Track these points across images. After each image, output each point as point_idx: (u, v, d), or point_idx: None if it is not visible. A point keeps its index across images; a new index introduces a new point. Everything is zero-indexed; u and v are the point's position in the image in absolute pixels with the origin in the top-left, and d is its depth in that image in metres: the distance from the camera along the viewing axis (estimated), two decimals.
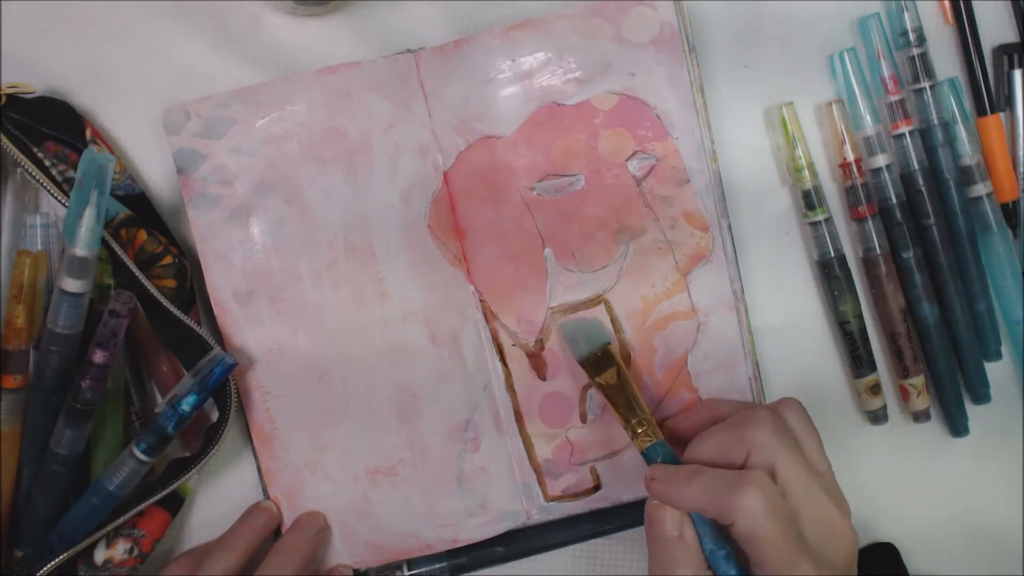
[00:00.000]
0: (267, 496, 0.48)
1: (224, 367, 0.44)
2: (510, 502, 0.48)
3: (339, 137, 0.46)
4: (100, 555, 0.45)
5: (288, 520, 0.47)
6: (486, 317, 0.48)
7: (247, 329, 0.46)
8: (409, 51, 0.47)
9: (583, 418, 0.48)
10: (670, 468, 0.41)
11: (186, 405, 0.43)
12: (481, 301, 0.48)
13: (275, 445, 0.47)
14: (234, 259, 0.46)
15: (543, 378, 0.48)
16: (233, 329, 0.46)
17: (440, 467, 0.47)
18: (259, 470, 0.48)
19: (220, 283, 0.46)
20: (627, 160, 0.47)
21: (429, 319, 0.47)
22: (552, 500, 0.48)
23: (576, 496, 0.48)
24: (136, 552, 0.45)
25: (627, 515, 0.49)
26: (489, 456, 0.48)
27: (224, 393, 0.45)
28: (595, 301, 0.48)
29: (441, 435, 0.47)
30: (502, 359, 0.48)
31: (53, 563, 0.42)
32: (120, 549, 0.45)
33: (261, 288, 0.46)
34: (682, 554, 0.39)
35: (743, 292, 0.48)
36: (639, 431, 0.43)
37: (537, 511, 0.49)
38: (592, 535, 0.50)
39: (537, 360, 0.48)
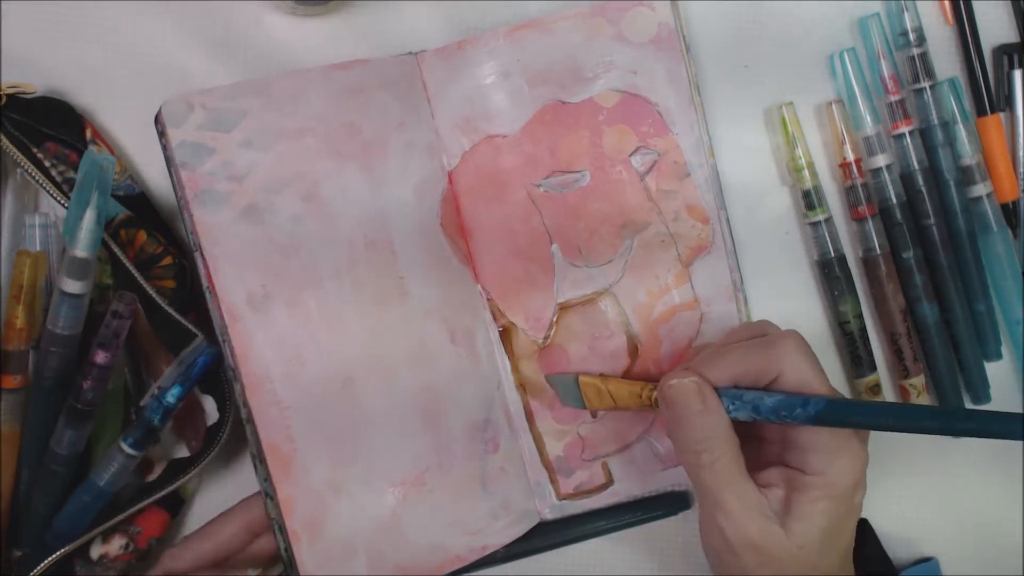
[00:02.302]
0: (285, 530, 0.42)
1: (208, 356, 0.44)
2: (525, 502, 0.48)
3: (355, 133, 0.45)
4: (96, 551, 0.45)
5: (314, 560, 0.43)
6: (493, 315, 0.48)
7: (263, 338, 0.42)
8: (411, 53, 0.47)
9: (593, 413, 0.48)
10: (697, 357, 0.41)
11: (171, 397, 0.43)
12: (488, 300, 0.48)
13: (295, 468, 0.43)
14: (247, 261, 0.42)
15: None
16: (248, 339, 0.42)
17: (465, 470, 0.46)
18: (270, 499, 0.43)
19: (232, 288, 0.42)
20: (630, 156, 0.47)
21: (447, 317, 0.46)
22: (565, 498, 0.48)
23: (588, 493, 0.48)
24: (132, 547, 0.45)
25: (629, 514, 0.49)
26: (506, 456, 0.47)
27: (224, 393, 0.45)
28: (601, 295, 0.48)
29: (464, 436, 0.46)
30: (512, 357, 0.48)
31: (48, 560, 0.42)
32: (116, 544, 0.45)
33: (278, 291, 0.43)
34: (712, 425, 0.38)
35: (742, 282, 0.48)
36: (655, 395, 0.42)
37: (549, 510, 0.48)
38: (593, 534, 0.50)
39: (546, 357, 0.48)
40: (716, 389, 0.39)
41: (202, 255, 0.42)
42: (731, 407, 0.39)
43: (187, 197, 0.41)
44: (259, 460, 0.43)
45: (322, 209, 0.44)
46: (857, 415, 0.37)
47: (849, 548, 0.41)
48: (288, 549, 0.42)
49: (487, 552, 0.46)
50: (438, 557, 0.45)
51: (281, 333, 0.43)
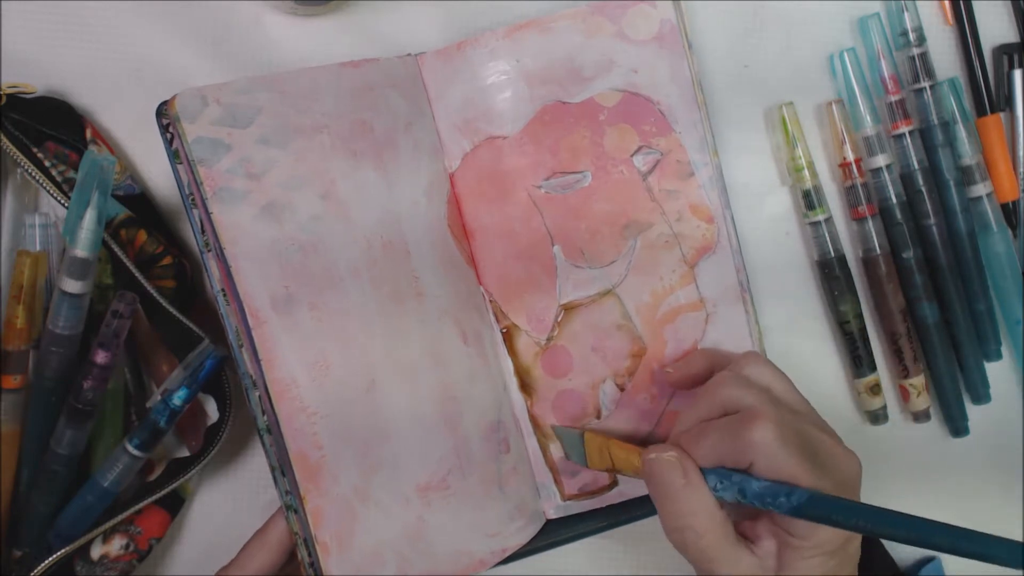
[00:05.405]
0: (312, 543, 0.41)
1: (214, 359, 0.44)
2: (534, 502, 0.48)
3: (367, 131, 0.44)
4: (96, 551, 0.45)
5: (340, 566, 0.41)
6: (496, 317, 0.48)
7: (288, 342, 0.40)
8: (411, 55, 0.47)
9: (597, 414, 0.48)
10: (680, 433, 0.40)
11: (177, 399, 0.43)
12: (491, 302, 0.48)
13: (324, 476, 0.41)
14: (269, 261, 0.40)
15: (556, 376, 0.48)
16: (273, 343, 0.40)
17: (483, 472, 0.45)
18: (294, 511, 0.41)
19: (256, 289, 0.40)
20: (632, 155, 0.47)
21: (458, 319, 0.45)
22: (569, 499, 0.48)
23: (593, 494, 0.48)
24: (132, 548, 0.45)
25: (628, 511, 0.49)
26: (516, 456, 0.47)
27: (225, 393, 0.45)
28: (605, 296, 0.48)
29: (480, 437, 0.45)
30: (514, 359, 0.48)
31: (49, 560, 0.42)
32: (116, 544, 0.45)
33: (301, 292, 0.41)
34: (692, 502, 0.38)
35: (748, 282, 0.48)
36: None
37: (554, 510, 0.48)
38: (593, 532, 0.50)
39: (549, 357, 0.48)
40: (702, 468, 0.38)
41: (219, 256, 0.40)
42: (718, 486, 0.38)
43: (204, 195, 0.39)
44: (281, 471, 0.41)
45: (340, 208, 0.42)
46: (838, 513, 0.35)
47: None
48: (315, 563, 0.41)
49: (506, 555, 0.46)
50: (463, 562, 0.44)
51: (306, 336, 0.41)
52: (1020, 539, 0.32)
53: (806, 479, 0.36)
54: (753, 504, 0.37)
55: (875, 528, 0.35)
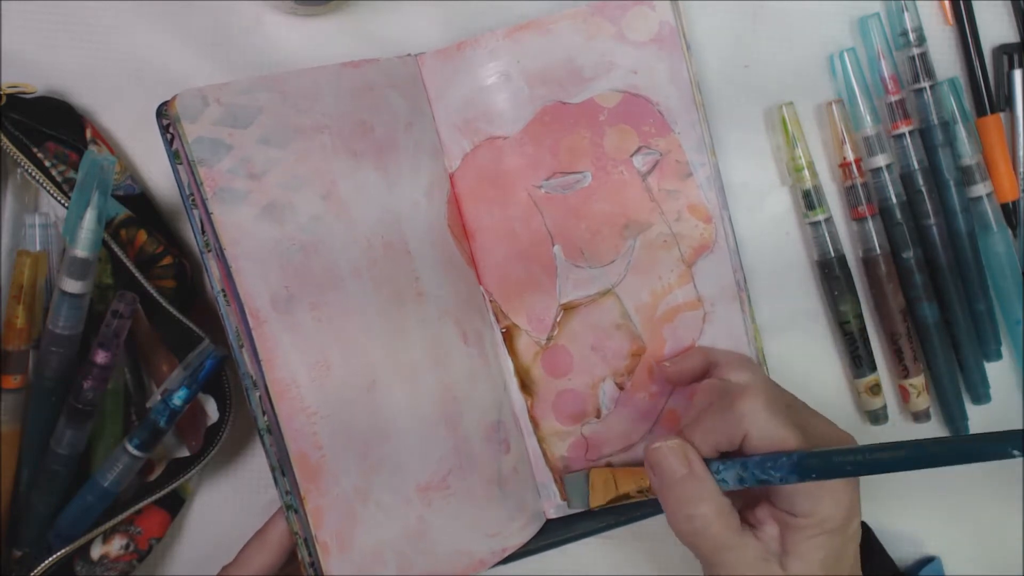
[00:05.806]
0: (312, 543, 0.41)
1: (214, 359, 0.44)
2: (535, 502, 0.48)
3: (367, 131, 0.44)
4: (96, 551, 0.45)
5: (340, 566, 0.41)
6: (496, 317, 0.48)
7: (289, 342, 0.40)
8: (410, 55, 0.47)
9: (597, 413, 0.48)
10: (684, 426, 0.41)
11: (177, 399, 0.43)
12: (491, 302, 0.48)
13: (324, 476, 0.41)
14: (270, 261, 0.40)
15: (556, 376, 0.48)
16: (273, 343, 0.40)
17: (484, 472, 0.45)
18: (294, 511, 0.41)
19: (256, 289, 0.40)
20: (632, 156, 0.47)
21: (459, 319, 0.46)
22: None
23: None
24: (132, 548, 0.45)
25: (628, 511, 0.49)
26: (517, 456, 0.47)
27: (225, 393, 0.45)
28: (605, 296, 0.48)
29: (481, 438, 0.46)
30: (515, 359, 0.48)
31: (49, 560, 0.42)
32: (116, 544, 0.45)
33: (302, 292, 0.41)
34: (697, 489, 0.38)
35: (746, 282, 0.48)
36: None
37: (554, 510, 0.48)
38: (595, 531, 0.50)
39: (549, 357, 0.48)
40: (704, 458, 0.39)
41: (220, 256, 0.40)
42: (720, 469, 0.38)
43: (205, 195, 0.39)
44: (281, 471, 0.41)
45: (340, 208, 0.42)
46: (837, 456, 0.36)
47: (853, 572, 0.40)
48: (315, 563, 0.41)
49: (506, 554, 0.46)
50: (463, 562, 0.44)
51: (306, 336, 0.41)
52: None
53: (796, 443, 0.37)
54: (755, 476, 0.37)
55: (874, 459, 0.35)
